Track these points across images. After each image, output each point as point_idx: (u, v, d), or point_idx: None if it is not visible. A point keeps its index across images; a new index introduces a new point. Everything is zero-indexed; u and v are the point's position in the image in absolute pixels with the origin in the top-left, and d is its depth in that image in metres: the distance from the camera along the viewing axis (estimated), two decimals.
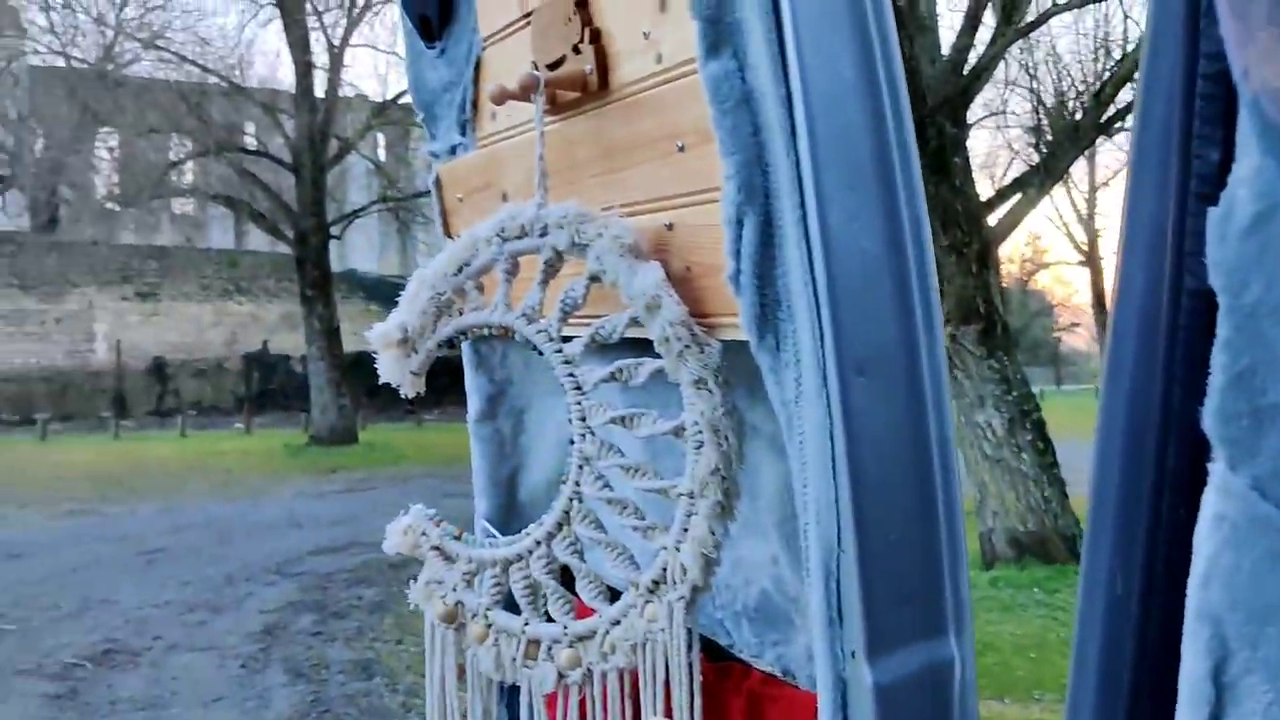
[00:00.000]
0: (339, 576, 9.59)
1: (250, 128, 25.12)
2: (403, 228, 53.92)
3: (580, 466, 1.11)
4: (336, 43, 22.03)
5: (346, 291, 32.65)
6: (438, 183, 1.60)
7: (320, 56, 22.11)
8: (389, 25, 22.21)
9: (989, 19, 9.35)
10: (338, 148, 23.63)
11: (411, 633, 7.41)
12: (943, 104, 8.06)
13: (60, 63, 30.71)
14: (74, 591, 8.92)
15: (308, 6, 21.76)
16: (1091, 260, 33.83)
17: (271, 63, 36.22)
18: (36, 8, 29.76)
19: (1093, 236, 33.66)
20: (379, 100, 23.90)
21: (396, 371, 1.18)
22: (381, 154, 34.38)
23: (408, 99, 17.92)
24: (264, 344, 32.69)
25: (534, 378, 1.56)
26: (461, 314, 1.20)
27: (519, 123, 1.32)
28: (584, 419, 1.10)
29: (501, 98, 1.16)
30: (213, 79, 22.60)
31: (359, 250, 47.92)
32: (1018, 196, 10.59)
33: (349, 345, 24.67)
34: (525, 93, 1.12)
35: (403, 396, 1.24)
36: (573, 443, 1.12)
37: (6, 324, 30.84)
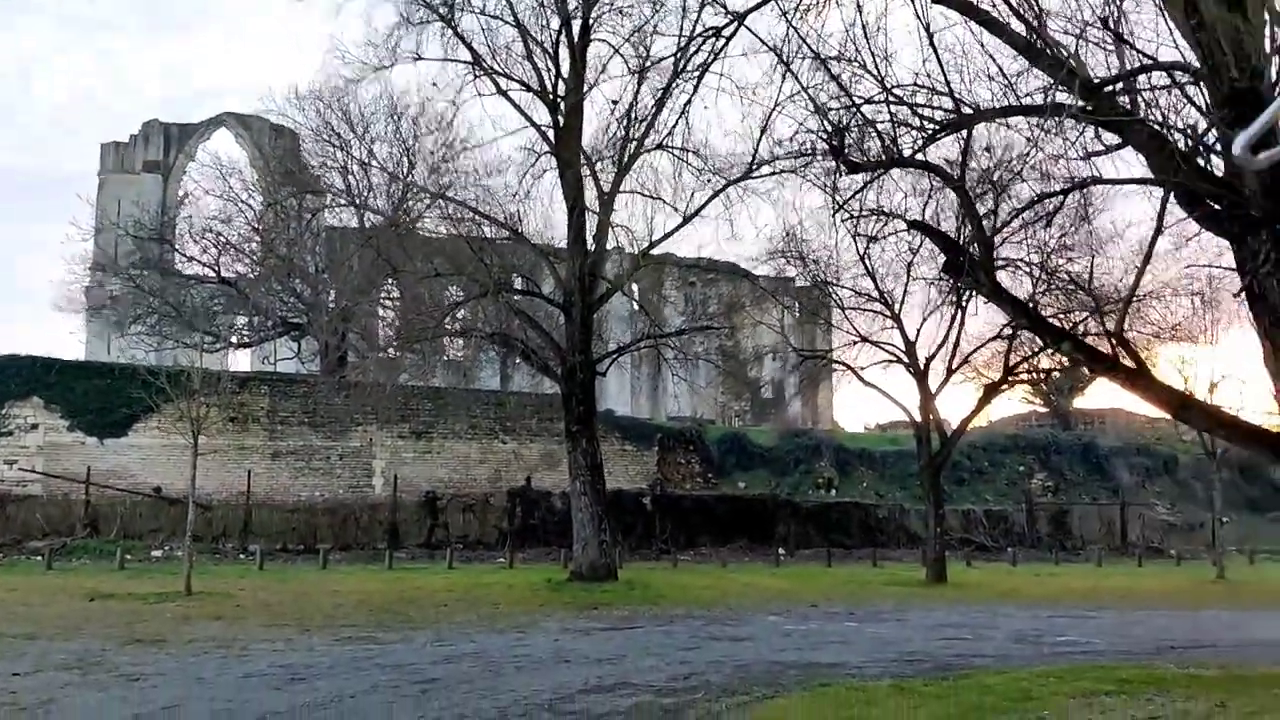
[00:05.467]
0: (614, 719, 9.02)
1: (525, 271, 26.18)
2: (654, 372, 54.83)
3: None
4: (607, 189, 22.73)
5: (603, 432, 33.10)
6: None
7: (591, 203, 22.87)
8: (656, 171, 22.75)
9: None
10: (604, 289, 24.19)
11: None
12: None
13: (353, 221, 33.57)
14: (355, 718, 8.79)
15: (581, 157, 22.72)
16: None
17: (545, 211, 38.04)
18: (335, 173, 32.85)
19: None
20: (640, 245, 24.33)
21: None
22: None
23: (664, 247, 18.12)
24: (527, 480, 33.46)
25: None
26: None
27: None
28: None
29: None
30: (491, 228, 23.73)
31: (612, 394, 49.04)
32: None
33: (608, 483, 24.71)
34: None
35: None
36: None
37: (297, 459, 33.08)
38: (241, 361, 44.42)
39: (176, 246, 41.52)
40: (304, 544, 29.56)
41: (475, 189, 24.25)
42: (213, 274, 39.11)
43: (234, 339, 41.35)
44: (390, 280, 33.13)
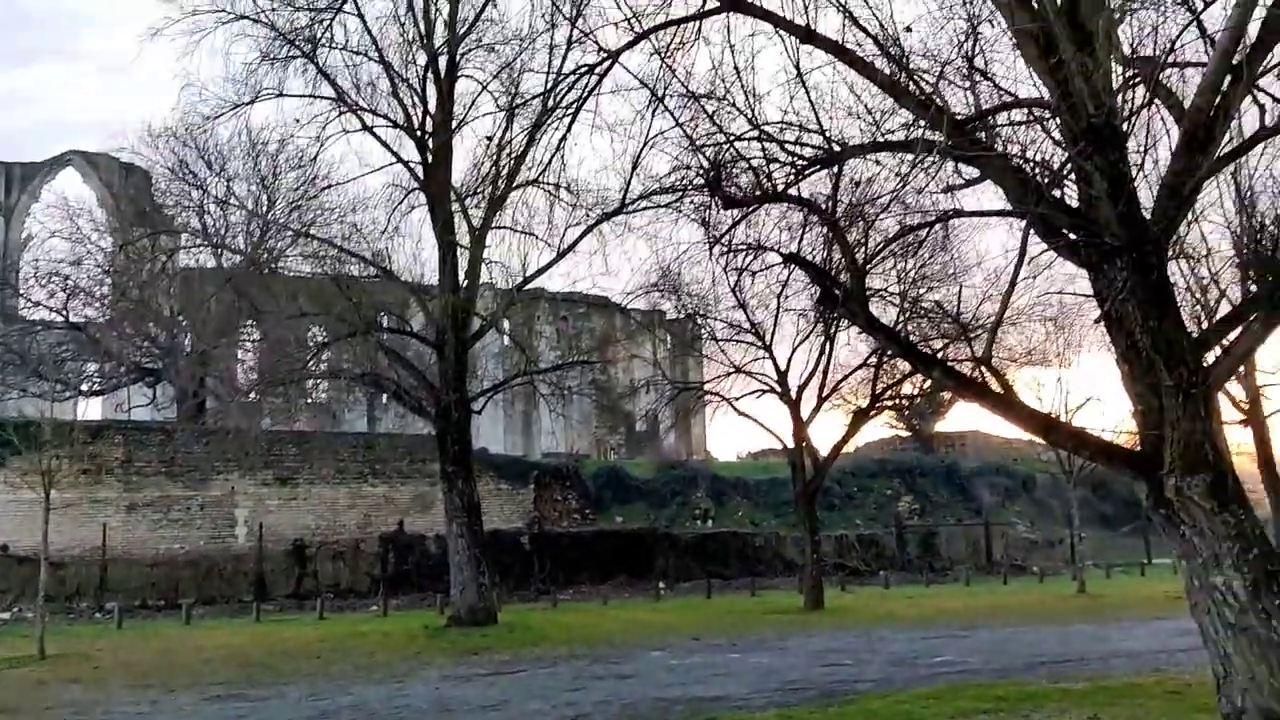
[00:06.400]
0: None
1: (395, 309, 25.68)
2: (528, 408, 54.18)
3: None
4: (478, 225, 22.51)
5: (478, 471, 32.66)
6: None
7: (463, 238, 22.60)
8: (529, 207, 22.57)
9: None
10: (478, 326, 23.91)
11: None
12: (1164, 231, 7.41)
13: (211, 263, 32.39)
14: None
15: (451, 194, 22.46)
16: (1255, 420, 31.05)
17: (414, 248, 37.10)
18: (191, 211, 31.62)
19: (1254, 394, 31.11)
20: (514, 281, 24.10)
21: None
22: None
23: (538, 282, 18.02)
24: (399, 524, 32.64)
25: None
26: None
27: None
28: None
29: None
30: (358, 266, 23.19)
31: (485, 432, 48.42)
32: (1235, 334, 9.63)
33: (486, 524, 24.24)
34: None
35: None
36: None
37: (155, 511, 31.57)
38: (94, 410, 42.27)
39: (21, 291, 39.39)
40: (165, 599, 28.20)
41: (341, 226, 23.71)
42: (60, 319, 37.18)
43: (85, 387, 39.33)
44: (250, 322, 32.04)
